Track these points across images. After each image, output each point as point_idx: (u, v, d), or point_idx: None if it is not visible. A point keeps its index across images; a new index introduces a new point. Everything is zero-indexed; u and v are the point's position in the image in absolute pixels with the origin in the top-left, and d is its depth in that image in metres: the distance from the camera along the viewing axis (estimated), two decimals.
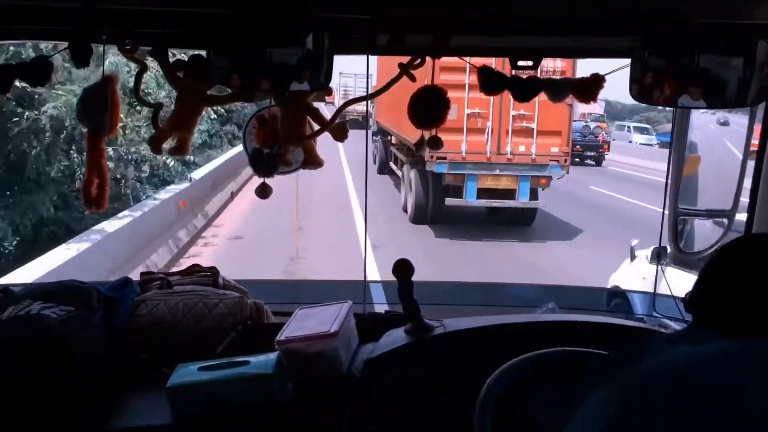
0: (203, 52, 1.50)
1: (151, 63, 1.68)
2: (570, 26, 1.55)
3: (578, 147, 25.11)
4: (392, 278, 1.68)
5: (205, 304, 1.80)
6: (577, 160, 24.97)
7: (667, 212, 2.22)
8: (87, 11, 1.29)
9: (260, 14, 1.41)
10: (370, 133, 17.66)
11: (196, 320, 1.77)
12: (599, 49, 1.70)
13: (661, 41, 1.51)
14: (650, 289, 2.34)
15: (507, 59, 1.61)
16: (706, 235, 2.34)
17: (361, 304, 1.93)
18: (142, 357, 1.72)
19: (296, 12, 1.42)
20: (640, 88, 1.57)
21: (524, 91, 1.61)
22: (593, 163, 26.48)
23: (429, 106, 1.58)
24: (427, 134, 1.65)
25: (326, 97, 1.74)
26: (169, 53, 1.63)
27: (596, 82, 1.61)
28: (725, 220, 2.32)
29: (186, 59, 1.61)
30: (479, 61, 1.62)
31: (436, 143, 1.66)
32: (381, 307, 2.11)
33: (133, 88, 1.67)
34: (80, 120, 1.63)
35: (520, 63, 1.60)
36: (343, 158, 17.30)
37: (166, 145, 1.68)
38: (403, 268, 1.65)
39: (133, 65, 1.66)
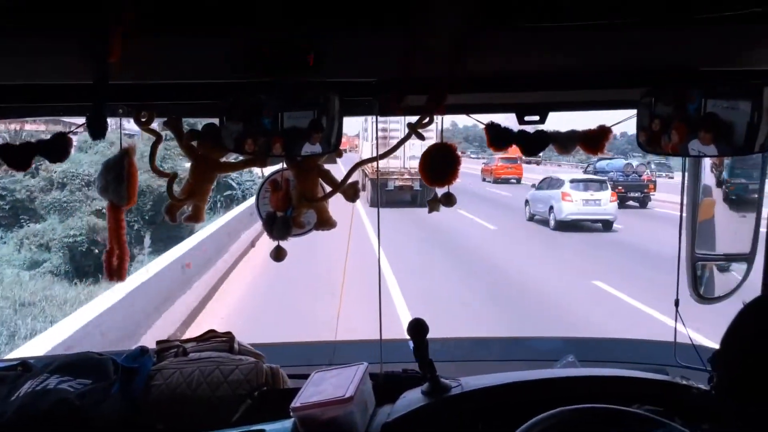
0: (216, 120, 1.54)
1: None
2: (575, 80, 1.57)
3: (620, 188, 23.49)
4: (407, 336, 1.67)
5: (221, 371, 1.78)
6: (618, 201, 23.67)
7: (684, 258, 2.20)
8: (102, 87, 1.33)
9: (272, 81, 1.44)
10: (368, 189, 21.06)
11: (212, 388, 1.75)
12: (605, 102, 1.72)
13: (667, 90, 1.52)
14: None
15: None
16: (725, 280, 2.31)
17: (377, 364, 1.91)
18: (159, 428, 1.70)
19: (307, 78, 1.45)
20: (647, 136, 1.58)
21: (532, 145, 1.62)
22: (637, 204, 24.36)
23: (439, 163, 1.60)
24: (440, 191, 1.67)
25: (337, 159, 1.76)
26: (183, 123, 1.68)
27: (603, 133, 1.62)
28: (745, 264, 2.30)
29: (199, 129, 1.65)
30: (486, 117, 1.64)
31: (449, 200, 1.66)
32: (398, 366, 2.08)
33: (149, 159, 1.70)
34: (101, 193, 1.66)
35: (527, 118, 1.62)
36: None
37: (181, 213, 1.71)
38: (417, 328, 1.63)
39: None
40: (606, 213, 19.17)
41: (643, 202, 24.49)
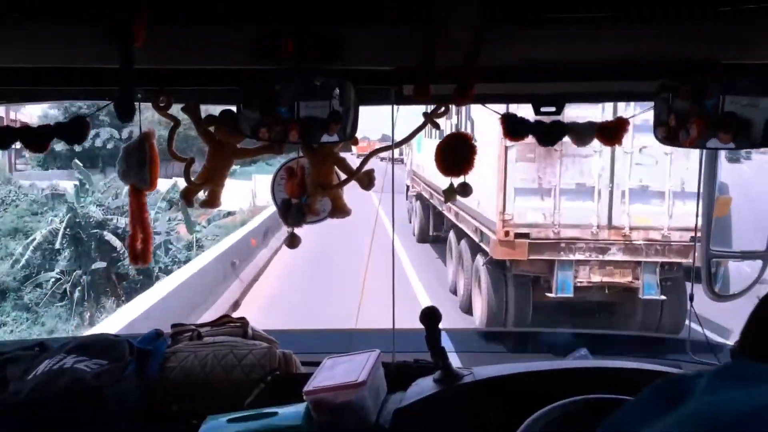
0: (233, 107, 1.55)
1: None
2: (592, 71, 1.57)
3: None
4: (422, 326, 1.67)
5: (234, 355, 1.80)
6: None
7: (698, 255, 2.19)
8: (128, 71, 1.35)
9: (289, 69, 1.45)
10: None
11: (226, 371, 1.77)
12: (622, 93, 1.71)
13: (685, 83, 1.51)
14: None
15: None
16: (741, 276, 2.30)
17: (390, 353, 1.91)
18: (173, 409, 1.72)
19: (323, 66, 1.46)
20: (665, 130, 1.57)
21: (548, 135, 1.62)
22: None
23: (456, 153, 1.60)
24: (456, 181, 1.66)
25: (353, 147, 1.77)
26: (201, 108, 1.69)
27: (621, 125, 1.62)
28: (760, 262, 2.28)
29: (216, 114, 1.67)
30: (501, 108, 1.63)
31: (465, 190, 1.66)
32: (410, 356, 2.09)
33: (167, 144, 1.72)
34: (122, 178, 1.68)
35: (543, 109, 1.62)
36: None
37: (198, 197, 1.73)
38: (430, 316, 1.64)
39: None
40: None
41: None
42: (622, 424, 0.87)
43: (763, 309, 0.94)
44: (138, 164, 1.63)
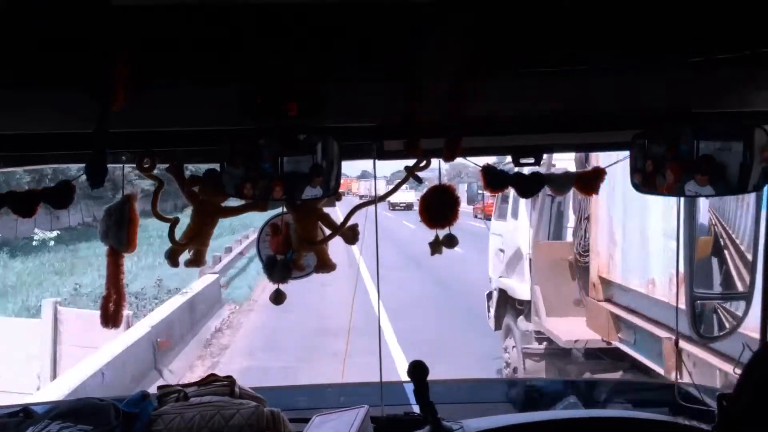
0: (216, 166, 1.57)
1: None
2: (570, 123, 1.60)
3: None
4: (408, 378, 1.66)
5: (221, 416, 1.78)
6: None
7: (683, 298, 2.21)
8: (100, 135, 1.36)
9: (271, 127, 1.47)
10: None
11: None
12: (599, 144, 1.75)
13: (659, 131, 1.54)
14: None
15: None
16: (723, 319, 2.32)
17: (378, 407, 1.90)
18: None
19: (307, 123, 1.48)
20: (642, 177, 1.59)
21: (528, 186, 1.65)
22: None
23: (439, 205, 1.62)
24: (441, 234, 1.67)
25: (336, 202, 1.79)
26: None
27: (597, 175, 1.65)
28: (743, 303, 2.31)
29: (200, 174, 1.68)
30: (481, 160, 1.66)
31: (451, 241, 1.68)
32: (400, 408, 2.07)
33: (151, 205, 1.72)
34: (102, 238, 1.68)
35: (523, 160, 1.65)
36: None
37: (182, 258, 1.72)
38: (417, 370, 1.63)
39: None
40: None
41: None
42: None
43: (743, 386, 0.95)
44: (117, 225, 1.63)
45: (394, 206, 43.95)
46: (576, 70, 1.45)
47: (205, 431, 1.75)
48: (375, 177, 1.83)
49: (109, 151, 1.49)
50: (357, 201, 1.91)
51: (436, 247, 1.70)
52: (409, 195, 41.63)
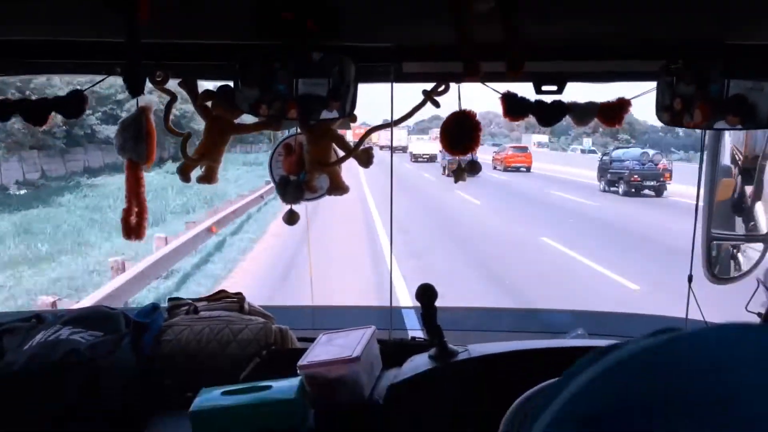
0: (231, 83, 1.54)
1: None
2: (594, 50, 1.55)
3: (636, 177, 24.13)
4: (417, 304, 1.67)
5: (230, 330, 1.81)
6: (633, 191, 23.90)
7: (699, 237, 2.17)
8: (134, 45, 1.34)
9: (287, 45, 1.43)
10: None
11: (222, 346, 1.78)
12: (624, 73, 1.69)
13: (688, 65, 1.49)
14: None
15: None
16: (740, 260, 2.29)
17: (386, 330, 1.92)
18: (167, 382, 1.73)
19: (323, 42, 1.44)
20: (670, 114, 1.55)
21: (549, 115, 1.60)
22: (653, 193, 24.31)
23: (460, 130, 1.59)
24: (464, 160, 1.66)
25: (351, 125, 1.76)
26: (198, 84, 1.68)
27: (622, 105, 1.60)
28: (761, 245, 2.27)
29: (214, 89, 1.66)
30: (502, 86, 1.62)
31: (474, 167, 1.66)
32: (408, 333, 2.09)
33: (163, 118, 1.71)
34: (119, 152, 1.68)
35: (545, 87, 1.60)
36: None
37: (194, 173, 1.72)
38: (426, 294, 1.64)
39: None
40: None
41: (659, 191, 24.46)
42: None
43: None
44: (134, 138, 1.63)
45: (416, 157, 43.00)
46: None
47: (213, 344, 1.79)
48: (392, 98, 1.79)
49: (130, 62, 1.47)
50: (378, 151, 1.88)
51: (459, 173, 1.68)
52: (433, 146, 41.06)
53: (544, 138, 66.95)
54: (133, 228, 1.69)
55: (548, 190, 25.38)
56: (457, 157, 1.69)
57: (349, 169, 1.81)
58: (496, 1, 1.32)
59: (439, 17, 1.37)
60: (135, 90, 1.39)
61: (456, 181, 1.71)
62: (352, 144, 1.73)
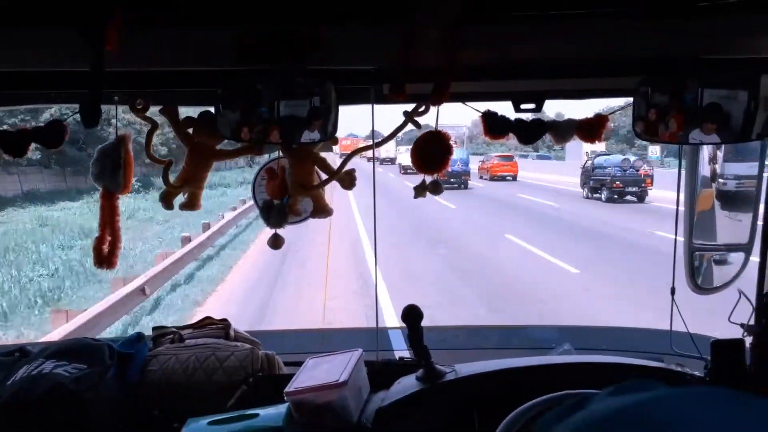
0: (212, 108, 1.54)
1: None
2: (571, 69, 1.56)
3: (618, 183, 24.67)
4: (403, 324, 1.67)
5: (216, 357, 1.79)
6: (615, 197, 24.36)
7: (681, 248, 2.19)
8: (97, 75, 1.33)
9: (268, 69, 1.44)
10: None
11: (208, 374, 1.76)
12: (601, 90, 1.71)
13: (663, 79, 1.51)
14: None
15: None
16: (722, 270, 2.30)
17: (373, 351, 1.91)
18: (154, 413, 1.71)
19: (303, 66, 1.45)
20: (644, 125, 1.57)
21: (529, 133, 1.62)
22: (635, 199, 24.86)
23: (431, 151, 1.60)
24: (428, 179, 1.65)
25: (333, 147, 1.76)
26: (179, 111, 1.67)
27: (600, 122, 1.62)
28: (742, 255, 2.29)
29: (195, 116, 1.65)
30: (482, 105, 1.63)
31: (436, 188, 1.66)
32: (395, 354, 2.08)
33: (144, 146, 1.70)
34: (95, 179, 1.66)
35: (523, 106, 1.62)
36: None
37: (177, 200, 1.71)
38: (411, 314, 1.63)
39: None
40: None
41: (641, 197, 24.91)
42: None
43: None
44: (112, 167, 1.61)
45: (405, 169, 42.99)
46: (579, 15, 1.41)
47: (199, 372, 1.77)
48: (373, 120, 1.79)
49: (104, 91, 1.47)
50: (365, 163, 1.88)
51: (420, 191, 1.67)
52: None
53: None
54: (104, 257, 1.66)
55: (517, 194, 26.66)
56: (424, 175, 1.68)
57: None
58: (439, 32, 1.36)
59: (417, 40, 1.38)
60: (91, 120, 1.38)
61: (415, 197, 1.69)
62: (338, 155, 1.73)
